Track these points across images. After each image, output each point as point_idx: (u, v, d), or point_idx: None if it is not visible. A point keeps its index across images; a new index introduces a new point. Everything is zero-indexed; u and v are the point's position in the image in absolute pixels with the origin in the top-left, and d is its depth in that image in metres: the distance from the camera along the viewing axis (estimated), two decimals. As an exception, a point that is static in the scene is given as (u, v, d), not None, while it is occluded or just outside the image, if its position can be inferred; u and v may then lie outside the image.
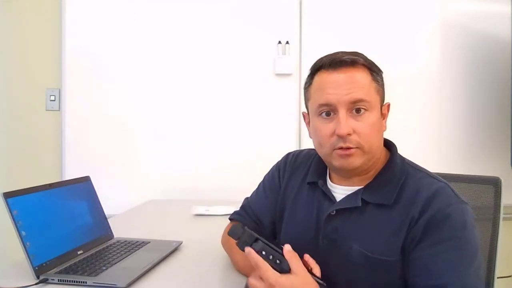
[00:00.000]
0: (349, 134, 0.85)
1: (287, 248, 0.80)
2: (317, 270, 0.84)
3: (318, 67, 0.91)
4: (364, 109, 0.86)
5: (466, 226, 0.82)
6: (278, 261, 0.79)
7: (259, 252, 0.78)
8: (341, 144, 0.86)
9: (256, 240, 0.80)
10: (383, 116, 0.93)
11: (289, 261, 0.79)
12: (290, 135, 2.25)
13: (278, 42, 2.25)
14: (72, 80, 2.26)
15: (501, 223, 1.15)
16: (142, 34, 2.26)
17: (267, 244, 0.80)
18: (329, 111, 0.88)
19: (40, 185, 1.07)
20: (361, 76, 0.87)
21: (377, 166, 0.93)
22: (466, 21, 2.30)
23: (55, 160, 2.29)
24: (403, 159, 0.95)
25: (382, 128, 0.92)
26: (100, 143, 2.25)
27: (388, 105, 0.95)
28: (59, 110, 2.30)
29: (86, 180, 1.27)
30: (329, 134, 0.87)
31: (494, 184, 1.17)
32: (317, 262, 0.88)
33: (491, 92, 2.32)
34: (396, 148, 0.97)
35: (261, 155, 2.17)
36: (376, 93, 0.89)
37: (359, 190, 0.92)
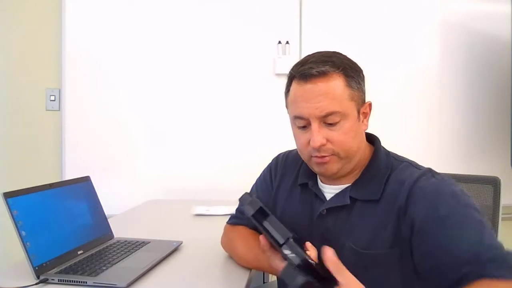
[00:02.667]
0: (323, 145, 0.88)
1: (330, 258, 0.71)
2: (313, 253, 0.80)
3: (292, 77, 0.92)
4: (337, 120, 0.88)
5: (457, 194, 0.83)
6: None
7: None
8: (316, 154, 0.90)
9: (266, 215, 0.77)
10: (364, 115, 0.94)
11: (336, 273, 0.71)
12: (290, 135, 2.23)
13: (278, 42, 2.25)
14: (72, 80, 2.26)
15: (500, 223, 1.15)
16: (142, 34, 2.26)
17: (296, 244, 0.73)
18: (303, 124, 0.91)
19: (40, 185, 1.07)
20: (333, 86, 0.87)
21: (362, 163, 0.95)
22: (466, 21, 2.30)
23: (55, 160, 2.29)
24: (387, 152, 0.97)
25: (360, 130, 0.93)
26: (100, 143, 2.25)
27: (369, 104, 0.95)
28: (59, 110, 2.30)
29: (86, 180, 1.27)
30: (305, 143, 0.91)
31: (493, 184, 1.17)
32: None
33: (491, 92, 2.32)
34: (379, 142, 0.98)
35: (261, 155, 2.15)
36: (349, 100, 0.89)
37: (347, 188, 0.94)
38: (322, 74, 0.87)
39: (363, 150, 0.95)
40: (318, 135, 0.87)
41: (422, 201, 0.83)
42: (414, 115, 2.27)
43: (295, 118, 0.92)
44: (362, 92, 0.93)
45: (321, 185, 0.99)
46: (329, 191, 0.97)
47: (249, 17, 2.26)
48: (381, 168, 0.93)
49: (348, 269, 0.85)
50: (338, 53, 0.94)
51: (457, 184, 0.86)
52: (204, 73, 2.26)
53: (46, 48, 2.31)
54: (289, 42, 2.25)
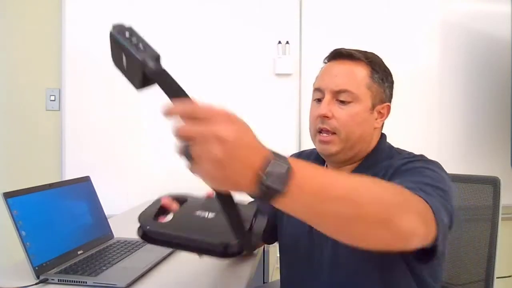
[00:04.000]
0: (328, 117, 0.93)
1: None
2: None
3: (326, 58, 1.01)
4: (349, 100, 0.93)
5: (429, 164, 0.86)
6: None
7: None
8: (320, 125, 0.94)
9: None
10: (380, 115, 0.99)
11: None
12: (290, 135, 2.25)
13: (278, 42, 2.25)
14: (72, 80, 2.26)
15: (500, 223, 1.15)
16: (141, 34, 2.26)
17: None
18: (319, 97, 0.96)
19: (40, 185, 1.07)
20: (356, 70, 0.95)
21: (364, 155, 0.98)
22: (466, 21, 2.30)
23: (55, 160, 2.29)
24: (391, 146, 1.01)
25: (369, 122, 0.96)
26: (100, 143, 2.25)
27: (388, 106, 1.01)
28: (59, 110, 2.30)
29: (86, 180, 1.27)
30: (316, 116, 0.96)
31: (493, 184, 1.17)
32: (313, 254, 0.94)
33: (491, 92, 2.32)
34: (385, 137, 1.02)
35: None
36: (367, 88, 0.94)
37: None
38: (350, 57, 0.96)
39: (368, 145, 0.97)
40: (326, 106, 0.93)
41: (396, 173, 0.87)
42: (414, 115, 2.27)
43: (314, 90, 0.98)
44: (384, 91, 0.99)
45: None
46: None
47: (249, 17, 2.26)
48: (380, 158, 0.96)
49: (346, 256, 0.87)
50: (376, 55, 1.01)
51: (438, 164, 0.88)
52: (204, 73, 2.26)
53: (46, 48, 2.31)
54: (289, 42, 2.24)
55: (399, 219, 0.60)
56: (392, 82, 1.03)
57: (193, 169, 0.51)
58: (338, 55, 0.97)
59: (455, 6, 2.32)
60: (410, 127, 2.26)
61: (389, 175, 0.89)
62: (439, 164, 0.89)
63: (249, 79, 2.26)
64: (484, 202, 1.18)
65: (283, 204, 0.53)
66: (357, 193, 0.58)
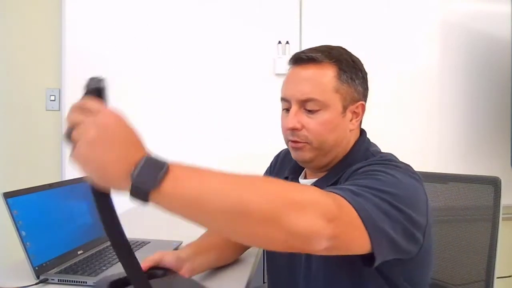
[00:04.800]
0: (297, 129, 0.89)
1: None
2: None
3: (289, 61, 0.95)
4: (316, 108, 0.88)
5: (391, 168, 0.79)
6: None
7: None
8: (291, 138, 0.91)
9: None
10: (355, 115, 0.93)
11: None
12: (290, 135, 2.25)
13: (278, 42, 2.25)
14: (72, 80, 2.26)
15: (501, 223, 1.15)
16: (142, 34, 2.26)
17: None
18: (287, 107, 0.92)
19: (40, 185, 1.07)
20: (320, 74, 0.88)
21: (340, 159, 0.94)
22: (466, 21, 2.30)
23: (55, 160, 2.28)
24: (367, 147, 0.95)
25: (342, 126, 0.91)
26: (100, 143, 2.25)
27: (362, 105, 0.94)
28: (59, 110, 2.30)
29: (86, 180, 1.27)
30: (286, 127, 0.92)
31: (493, 184, 1.17)
32: (294, 264, 0.91)
33: (491, 92, 2.32)
34: (363, 138, 0.96)
35: (261, 155, 2.17)
36: (334, 92, 0.88)
37: (315, 181, 0.94)
38: (312, 60, 0.89)
39: (345, 149, 0.93)
40: (293, 118, 0.89)
41: (351, 175, 0.82)
42: (414, 115, 2.27)
43: (281, 100, 0.94)
44: (355, 90, 0.91)
45: (301, 179, 1.00)
46: (305, 183, 0.97)
47: (249, 17, 2.26)
48: (352, 162, 0.89)
49: (317, 265, 0.85)
50: (343, 48, 0.94)
51: (407, 176, 0.80)
52: (204, 73, 2.26)
53: (46, 48, 2.31)
54: (289, 42, 2.24)
55: (289, 217, 0.56)
56: (364, 77, 0.94)
57: (72, 155, 0.53)
58: (299, 60, 0.91)
59: (455, 6, 2.31)
60: (410, 127, 2.25)
61: (345, 178, 0.84)
62: (409, 168, 0.83)
63: (249, 79, 2.26)
64: (485, 202, 1.18)
65: (157, 200, 0.53)
66: (239, 190, 0.57)
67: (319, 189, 0.66)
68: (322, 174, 0.95)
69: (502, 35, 2.28)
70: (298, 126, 0.89)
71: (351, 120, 0.92)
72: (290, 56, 0.94)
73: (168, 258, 0.86)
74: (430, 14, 2.29)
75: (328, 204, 0.62)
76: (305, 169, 1.02)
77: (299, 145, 0.90)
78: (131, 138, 0.56)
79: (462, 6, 2.32)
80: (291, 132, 0.90)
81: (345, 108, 0.90)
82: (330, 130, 0.89)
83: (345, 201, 0.67)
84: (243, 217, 0.56)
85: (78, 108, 0.55)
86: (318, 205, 0.61)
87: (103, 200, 0.57)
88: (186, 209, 0.55)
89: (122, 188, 0.54)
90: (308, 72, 0.89)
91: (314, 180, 0.95)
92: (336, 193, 0.67)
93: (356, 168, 0.84)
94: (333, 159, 0.93)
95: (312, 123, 0.88)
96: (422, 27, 2.29)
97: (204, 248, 0.98)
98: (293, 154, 0.94)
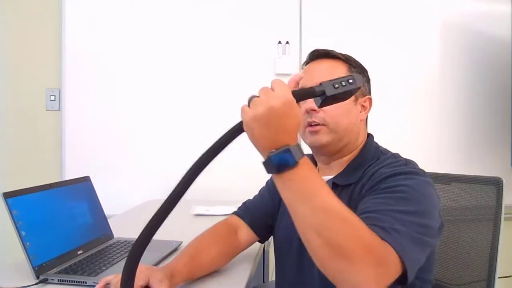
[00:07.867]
0: (315, 110, 0.95)
1: None
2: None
3: (304, 63, 1.06)
4: None
5: (411, 178, 0.83)
6: None
7: None
8: (309, 119, 0.97)
9: None
10: (363, 108, 1.01)
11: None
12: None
13: (278, 42, 2.24)
14: (72, 80, 2.26)
15: (503, 223, 1.15)
16: (142, 34, 2.26)
17: None
18: None
19: (40, 185, 1.07)
20: (335, 66, 0.99)
21: (353, 153, 1.00)
22: (466, 21, 2.30)
23: (55, 160, 2.28)
24: (377, 146, 1.02)
25: (354, 114, 0.99)
26: (100, 143, 2.25)
27: (369, 99, 1.02)
28: (59, 110, 2.30)
29: (86, 180, 1.27)
30: (303, 111, 0.97)
31: (496, 184, 1.17)
32: (304, 256, 0.93)
33: (491, 92, 2.32)
34: (372, 138, 1.04)
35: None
36: None
37: (333, 177, 0.98)
38: (327, 55, 1.01)
39: (356, 137, 1.00)
40: (312, 100, 0.92)
41: (377, 182, 0.86)
42: (414, 115, 2.27)
43: None
44: (363, 85, 1.00)
45: None
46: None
47: (249, 17, 2.26)
48: (367, 158, 0.97)
49: None
50: (349, 55, 1.03)
51: (424, 178, 0.85)
52: (204, 73, 2.26)
53: (46, 48, 2.31)
54: (289, 42, 2.24)
55: (355, 268, 0.62)
56: (368, 78, 1.05)
57: (242, 110, 0.71)
58: (315, 55, 1.02)
59: (455, 6, 2.32)
60: (410, 127, 2.26)
61: (370, 184, 0.88)
62: (423, 173, 0.87)
63: (249, 79, 2.25)
64: (487, 202, 1.17)
65: (286, 176, 0.66)
66: (333, 216, 0.64)
67: (377, 237, 0.67)
68: (335, 172, 0.99)
69: (502, 35, 2.28)
70: (315, 107, 0.93)
71: (360, 112, 1.00)
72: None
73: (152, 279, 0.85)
74: (430, 14, 2.29)
75: (386, 256, 0.67)
76: (317, 166, 1.04)
77: (317, 128, 0.96)
78: (285, 126, 0.68)
79: (462, 6, 2.32)
80: (309, 114, 0.96)
81: (356, 98, 0.98)
82: (344, 114, 0.96)
83: (392, 250, 0.68)
84: (322, 236, 0.64)
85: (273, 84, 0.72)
86: (380, 258, 0.65)
87: (236, 132, 0.73)
88: (292, 197, 0.67)
89: (266, 150, 0.69)
90: (323, 65, 1.00)
91: (330, 177, 0.98)
92: (383, 239, 0.68)
93: (378, 173, 0.87)
94: (346, 145, 0.98)
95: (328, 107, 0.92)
96: (422, 27, 2.29)
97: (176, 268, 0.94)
98: (310, 139, 0.98)
